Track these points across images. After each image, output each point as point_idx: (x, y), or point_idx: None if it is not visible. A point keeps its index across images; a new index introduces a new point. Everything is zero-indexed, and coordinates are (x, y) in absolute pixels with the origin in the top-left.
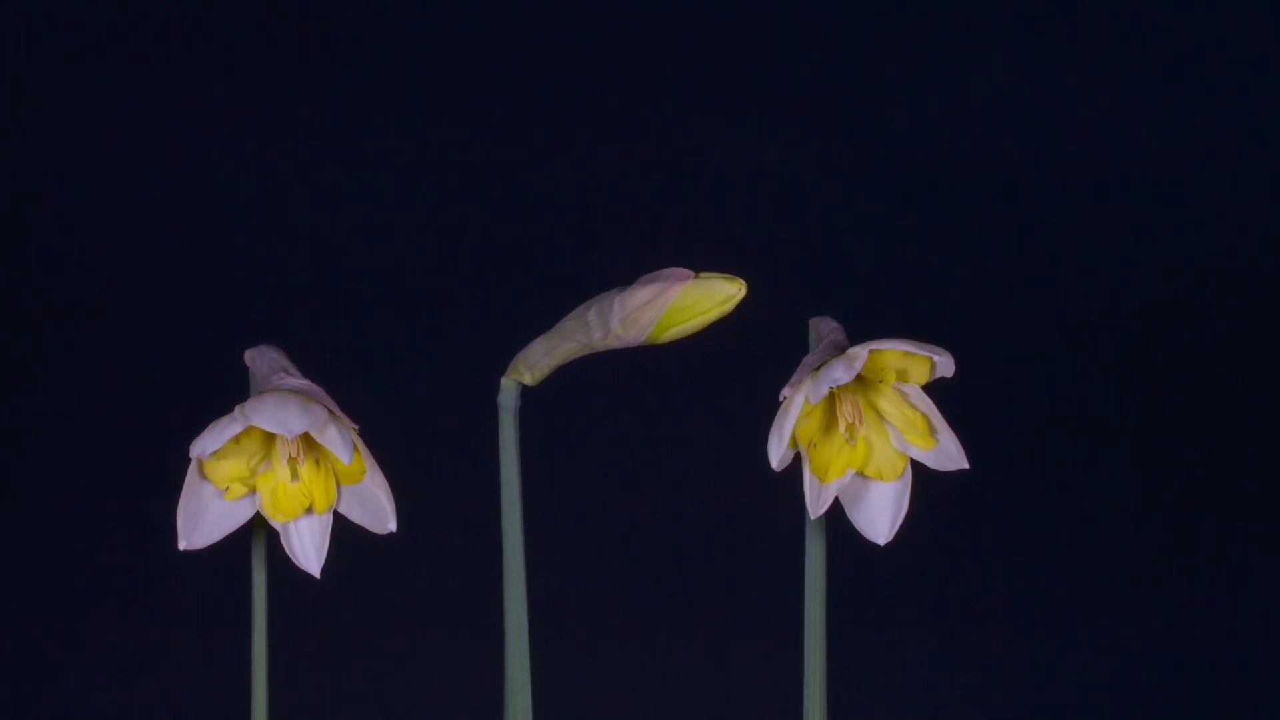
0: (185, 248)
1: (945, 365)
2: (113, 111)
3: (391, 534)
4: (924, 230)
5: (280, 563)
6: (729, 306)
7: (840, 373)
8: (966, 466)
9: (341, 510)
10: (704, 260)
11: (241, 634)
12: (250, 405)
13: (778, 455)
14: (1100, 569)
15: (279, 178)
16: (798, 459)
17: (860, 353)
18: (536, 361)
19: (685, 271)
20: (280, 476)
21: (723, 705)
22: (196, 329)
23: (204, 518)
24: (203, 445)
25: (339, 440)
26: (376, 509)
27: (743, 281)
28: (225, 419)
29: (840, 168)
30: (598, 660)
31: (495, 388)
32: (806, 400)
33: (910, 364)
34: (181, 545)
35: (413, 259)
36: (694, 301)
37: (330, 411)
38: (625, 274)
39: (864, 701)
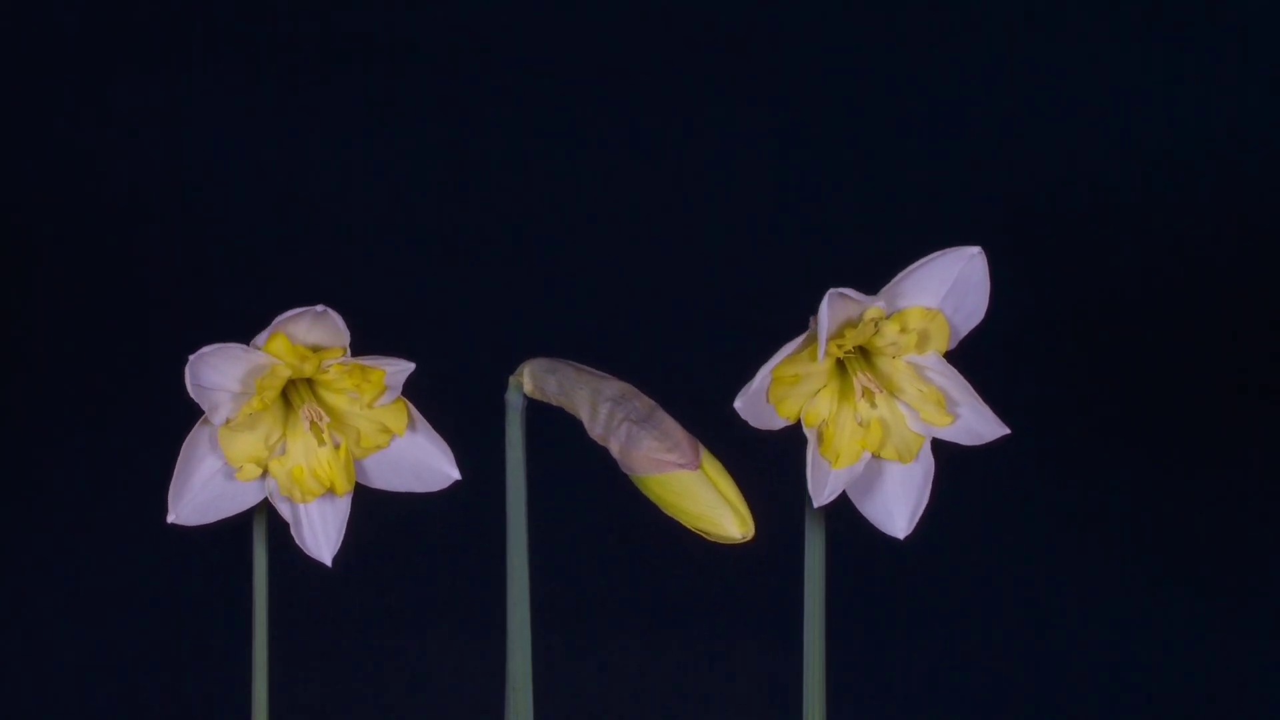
0: (188, 247)
1: (977, 309)
2: (115, 112)
3: (457, 483)
4: (925, 229)
5: (282, 562)
6: (724, 543)
7: (853, 291)
8: (1007, 432)
9: (379, 485)
10: (704, 263)
11: (242, 633)
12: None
13: (743, 398)
14: (1101, 569)
15: (283, 177)
16: (800, 447)
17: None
18: (544, 386)
19: (694, 458)
20: (296, 457)
21: (723, 705)
22: (198, 328)
23: (195, 491)
24: (202, 350)
25: (383, 358)
26: (424, 466)
27: (752, 530)
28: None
29: (840, 167)
30: (599, 658)
31: (503, 386)
32: (812, 354)
33: (932, 325)
34: (170, 518)
35: (417, 255)
36: (701, 510)
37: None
38: (626, 273)
39: (864, 701)
